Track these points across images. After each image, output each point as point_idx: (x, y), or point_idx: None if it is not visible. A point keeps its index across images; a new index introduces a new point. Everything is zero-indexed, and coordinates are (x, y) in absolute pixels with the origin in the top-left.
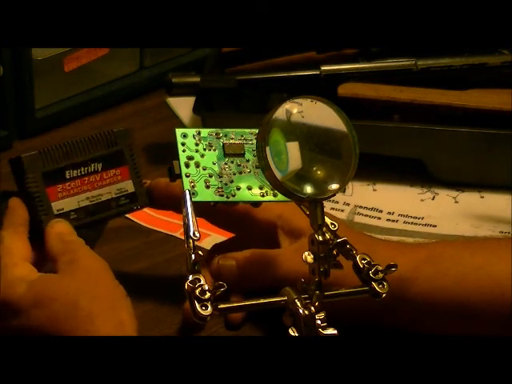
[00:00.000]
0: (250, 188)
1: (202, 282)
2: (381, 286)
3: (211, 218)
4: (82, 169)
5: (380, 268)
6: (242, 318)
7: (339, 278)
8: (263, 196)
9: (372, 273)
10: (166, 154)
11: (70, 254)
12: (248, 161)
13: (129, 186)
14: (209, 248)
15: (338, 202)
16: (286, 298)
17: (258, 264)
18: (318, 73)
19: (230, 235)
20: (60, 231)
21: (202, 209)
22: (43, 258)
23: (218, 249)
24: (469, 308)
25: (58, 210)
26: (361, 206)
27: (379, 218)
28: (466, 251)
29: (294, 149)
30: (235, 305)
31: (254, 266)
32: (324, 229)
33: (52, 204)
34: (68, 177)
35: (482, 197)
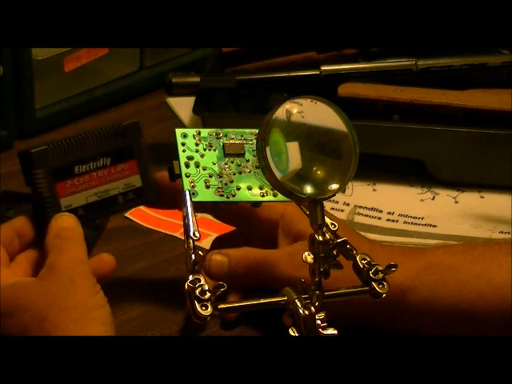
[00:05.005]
0: (250, 188)
1: (202, 281)
2: (381, 286)
3: (214, 212)
4: (91, 164)
5: (380, 268)
6: (237, 317)
7: (339, 278)
8: (263, 196)
9: (372, 273)
10: (166, 154)
11: (57, 252)
12: (248, 161)
13: (136, 180)
14: (209, 248)
15: (337, 202)
16: (285, 298)
17: (248, 263)
18: (317, 73)
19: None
20: (61, 225)
21: (204, 204)
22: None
23: (221, 242)
24: (469, 315)
25: (65, 207)
26: (361, 206)
27: (379, 218)
28: (466, 259)
29: (293, 149)
30: (235, 305)
31: (245, 265)
32: (324, 229)
33: (60, 200)
34: (77, 172)
35: (482, 197)
